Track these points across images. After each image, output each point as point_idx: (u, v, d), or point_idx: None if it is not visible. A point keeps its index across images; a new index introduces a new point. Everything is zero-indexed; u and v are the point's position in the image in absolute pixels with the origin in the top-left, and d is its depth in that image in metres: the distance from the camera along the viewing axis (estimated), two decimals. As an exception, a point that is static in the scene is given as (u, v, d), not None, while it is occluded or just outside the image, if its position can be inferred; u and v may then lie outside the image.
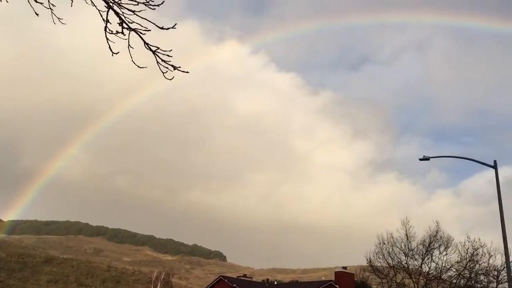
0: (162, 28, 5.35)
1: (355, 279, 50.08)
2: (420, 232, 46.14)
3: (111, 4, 5.24)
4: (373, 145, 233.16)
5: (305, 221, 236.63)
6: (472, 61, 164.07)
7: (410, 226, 45.58)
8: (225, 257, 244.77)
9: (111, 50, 5.68)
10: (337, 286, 44.38)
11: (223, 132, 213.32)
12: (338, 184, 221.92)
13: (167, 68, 5.64)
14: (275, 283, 58.87)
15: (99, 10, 5.57)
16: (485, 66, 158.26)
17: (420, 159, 26.13)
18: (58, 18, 5.89)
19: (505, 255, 23.68)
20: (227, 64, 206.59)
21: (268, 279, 77.29)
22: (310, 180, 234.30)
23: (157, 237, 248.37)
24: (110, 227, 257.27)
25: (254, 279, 60.98)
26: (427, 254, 44.59)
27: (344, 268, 47.39)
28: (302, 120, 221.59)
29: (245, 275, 55.25)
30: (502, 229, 23.15)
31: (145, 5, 5.22)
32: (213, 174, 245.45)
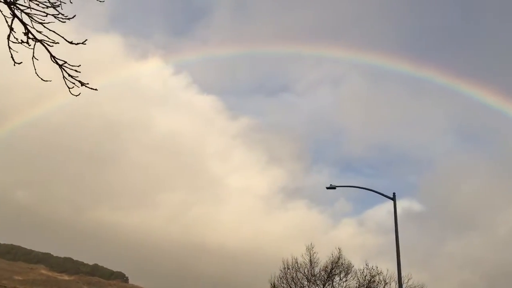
0: (71, 42, 5.09)
1: (259, 303, 50.24)
2: (324, 259, 47.61)
3: (16, 12, 4.90)
4: (286, 172, 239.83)
5: (215, 244, 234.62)
6: (379, 99, 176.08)
7: (315, 252, 46.82)
8: (127, 278, 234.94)
9: (13, 59, 5.29)
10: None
11: (139, 150, 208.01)
12: (250, 209, 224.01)
13: (74, 83, 5.36)
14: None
15: (4, 16, 5.20)
16: (390, 105, 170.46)
17: (327, 188, 27.24)
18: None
19: (399, 282, 25.06)
20: (149, 82, 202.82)
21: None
22: (223, 203, 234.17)
23: (55, 255, 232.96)
24: (2, 242, 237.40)
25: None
26: (328, 280, 45.98)
27: (248, 292, 47.44)
28: (219, 143, 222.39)
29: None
30: (397, 258, 24.54)
31: (55, 17, 4.94)
32: (124, 192, 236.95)
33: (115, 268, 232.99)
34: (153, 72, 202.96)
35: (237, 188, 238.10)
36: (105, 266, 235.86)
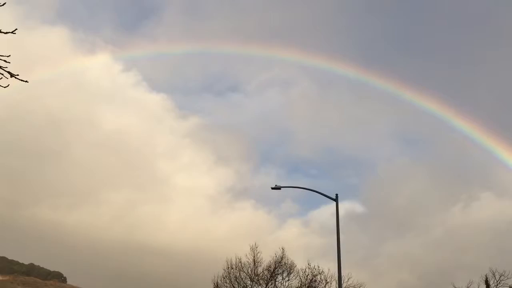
0: None
1: (201, 303, 49.91)
2: (268, 259, 47.89)
3: None
4: (234, 173, 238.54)
5: (160, 244, 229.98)
6: (327, 103, 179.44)
7: (258, 252, 47.10)
8: (65, 278, 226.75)
9: None
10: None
11: (83, 147, 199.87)
12: (197, 209, 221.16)
13: (2, 74, 5.00)
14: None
15: None
16: (337, 109, 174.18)
17: (272, 188, 27.46)
18: None
19: (338, 281, 25.60)
20: (96, 78, 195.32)
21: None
22: (169, 202, 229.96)
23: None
24: None
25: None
26: (271, 280, 46.38)
27: (191, 292, 46.99)
28: (167, 142, 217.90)
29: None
30: (338, 258, 25.07)
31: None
32: (66, 190, 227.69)
33: (52, 268, 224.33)
34: (101, 68, 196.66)
35: (184, 187, 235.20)
36: (42, 266, 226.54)
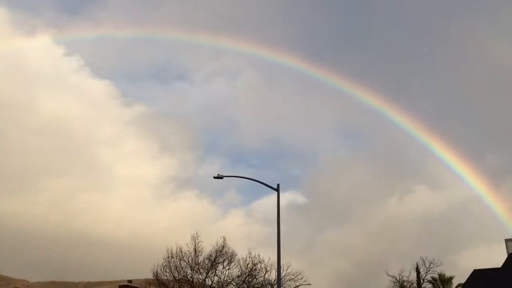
0: None
1: (140, 292, 49.21)
2: (210, 248, 47.78)
3: None
4: (178, 162, 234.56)
5: (100, 233, 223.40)
6: (273, 95, 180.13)
7: (199, 241, 46.95)
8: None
9: None
10: (119, 300, 42.96)
11: (20, 132, 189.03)
12: (139, 198, 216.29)
13: None
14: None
15: None
16: (282, 101, 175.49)
17: (214, 177, 27.35)
18: None
19: (277, 269, 25.96)
20: (36, 61, 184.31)
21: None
22: (111, 191, 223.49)
23: None
24: None
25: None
26: (212, 268, 46.43)
27: (130, 281, 46.21)
28: (110, 130, 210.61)
29: (16, 289, 49.59)
30: (278, 247, 25.37)
31: None
32: (1, 176, 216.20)
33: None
34: (41, 51, 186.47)
35: (127, 176, 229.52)
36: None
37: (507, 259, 24.81)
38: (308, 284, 48.73)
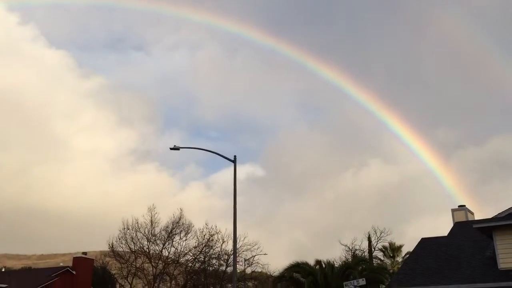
0: None
1: (95, 264, 48.73)
2: (167, 220, 47.75)
3: None
4: (137, 135, 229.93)
5: (55, 206, 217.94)
6: (234, 68, 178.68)
7: (156, 213, 46.81)
8: None
9: None
10: (74, 272, 42.31)
11: None
12: (97, 171, 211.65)
13: None
14: (2, 270, 52.88)
15: None
16: (243, 75, 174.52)
17: (171, 148, 26.99)
18: None
19: (234, 240, 26.23)
20: None
21: (-5, 267, 69.09)
22: (68, 164, 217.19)
23: None
24: None
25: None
26: (168, 240, 46.54)
27: (84, 253, 45.54)
28: (67, 102, 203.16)
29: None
30: (234, 216, 25.58)
31: None
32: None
33: None
34: None
35: (84, 149, 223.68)
36: None
37: (452, 228, 25.96)
38: (265, 254, 49.74)
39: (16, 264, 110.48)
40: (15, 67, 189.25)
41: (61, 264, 61.35)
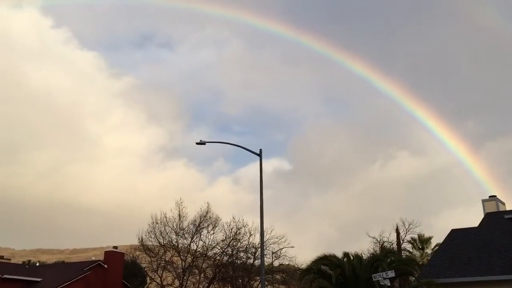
0: None
1: (126, 258, 49.70)
2: (195, 214, 48.26)
3: None
4: (166, 132, 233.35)
5: (87, 202, 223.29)
6: (259, 63, 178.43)
7: (184, 207, 47.34)
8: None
9: None
10: (105, 265, 43.29)
11: (7, 103, 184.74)
12: (127, 168, 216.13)
13: None
14: (37, 264, 54.47)
15: None
16: (268, 69, 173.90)
17: (197, 143, 27.27)
18: None
19: (261, 235, 26.36)
20: (23, 34, 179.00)
21: (29, 261, 71.27)
22: (99, 162, 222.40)
23: None
24: None
25: (13, 261, 55.26)
26: (196, 233, 47.01)
27: (115, 247, 46.53)
28: (98, 102, 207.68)
29: (1, 257, 49.62)
30: (261, 210, 25.71)
31: None
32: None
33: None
34: (28, 23, 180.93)
35: (115, 147, 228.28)
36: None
37: (483, 218, 25.52)
38: (292, 247, 49.73)
39: (50, 258, 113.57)
40: (47, 69, 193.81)
41: (93, 258, 62.83)
